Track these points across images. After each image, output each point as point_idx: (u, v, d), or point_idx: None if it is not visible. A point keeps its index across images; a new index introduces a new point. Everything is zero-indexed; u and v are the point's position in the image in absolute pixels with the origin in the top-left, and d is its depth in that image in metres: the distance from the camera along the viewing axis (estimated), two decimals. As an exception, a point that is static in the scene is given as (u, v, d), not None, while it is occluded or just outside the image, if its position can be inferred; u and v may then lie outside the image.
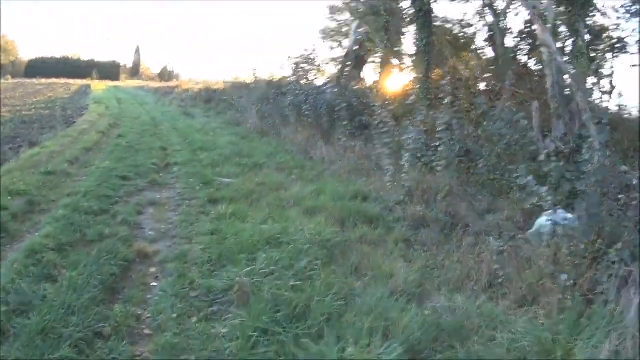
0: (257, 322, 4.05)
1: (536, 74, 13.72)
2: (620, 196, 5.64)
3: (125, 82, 70.02)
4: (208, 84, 36.12)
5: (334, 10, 21.59)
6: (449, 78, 9.41)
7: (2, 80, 60.34)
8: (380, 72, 16.44)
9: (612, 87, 13.91)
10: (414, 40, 13.80)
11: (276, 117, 16.33)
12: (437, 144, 8.48)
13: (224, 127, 18.60)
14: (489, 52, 16.16)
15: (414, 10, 13.90)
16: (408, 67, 16.20)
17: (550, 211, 6.93)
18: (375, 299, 4.45)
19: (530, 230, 6.60)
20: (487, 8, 15.68)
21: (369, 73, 21.56)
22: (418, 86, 11.65)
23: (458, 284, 5.14)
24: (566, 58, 10.86)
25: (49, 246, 5.82)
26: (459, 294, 4.80)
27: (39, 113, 24.52)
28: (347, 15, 20.47)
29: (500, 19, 14.89)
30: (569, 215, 6.41)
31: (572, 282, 4.69)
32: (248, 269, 5.03)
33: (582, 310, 4.28)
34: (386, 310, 4.24)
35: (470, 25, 17.05)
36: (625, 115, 13.71)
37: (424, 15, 13.40)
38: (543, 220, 6.63)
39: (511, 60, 13.70)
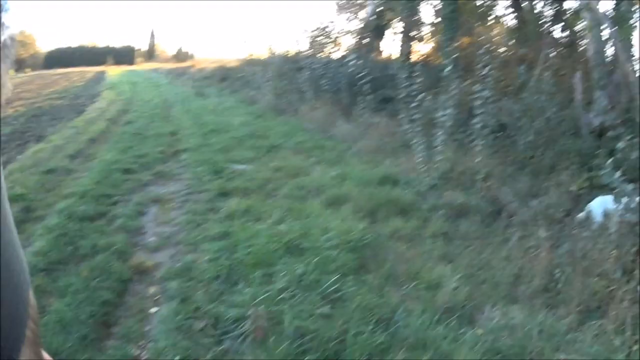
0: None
1: (560, 40, 12.97)
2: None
3: (140, 66, 69.37)
4: (222, 62, 35.13)
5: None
6: (487, 46, 8.62)
7: (22, 74, 60.75)
8: (402, 42, 15.74)
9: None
10: (439, 7, 12.98)
11: (293, 93, 15.72)
12: (475, 120, 7.73)
13: (238, 106, 18.05)
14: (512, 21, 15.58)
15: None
16: (431, 35, 15.45)
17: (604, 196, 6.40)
18: (421, 323, 3.84)
19: (580, 215, 6.12)
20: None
21: (390, 44, 20.91)
22: (454, 56, 10.89)
23: (509, 289, 4.56)
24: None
25: (38, 266, 4.94)
26: (514, 305, 4.23)
27: (51, 104, 23.52)
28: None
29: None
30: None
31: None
32: (264, 290, 4.29)
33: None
34: (437, 339, 3.64)
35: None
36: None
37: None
38: (597, 205, 6.13)
39: (540, 27, 13.00)
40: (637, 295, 4.08)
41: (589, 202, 6.55)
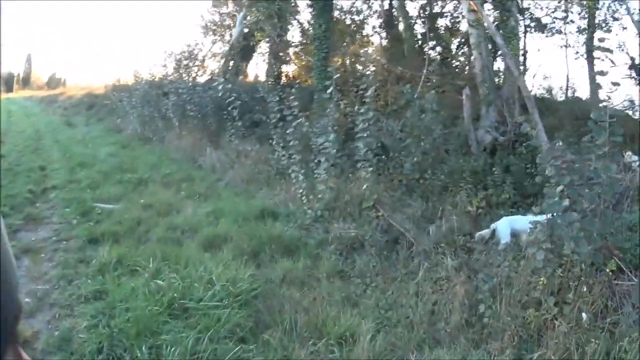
0: None
1: (433, 57, 13.03)
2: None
3: (17, 93, 65.24)
4: (91, 89, 33.45)
5: (217, 3, 20.30)
6: (372, 67, 8.05)
7: None
8: (272, 64, 15.19)
9: (525, 69, 13.47)
10: (312, 26, 12.53)
11: (159, 120, 14.85)
12: (358, 144, 7.17)
13: (105, 135, 17.30)
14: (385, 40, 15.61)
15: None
16: (302, 56, 15.03)
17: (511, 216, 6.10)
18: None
19: (482, 232, 5.86)
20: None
21: (258, 66, 20.55)
22: (335, 76, 10.36)
23: (427, 329, 4.22)
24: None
25: None
26: (439, 347, 3.92)
27: None
28: (231, 7, 19.49)
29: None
30: (535, 218, 5.25)
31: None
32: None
33: (608, 349, 3.60)
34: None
35: (359, 12, 16.35)
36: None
37: (324, -3, 12.21)
38: (503, 226, 5.80)
39: (415, 45, 13.03)
40: (578, 320, 3.81)
41: (490, 221, 6.19)
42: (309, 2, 13.32)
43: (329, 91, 8.34)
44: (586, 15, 14.24)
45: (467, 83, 9.48)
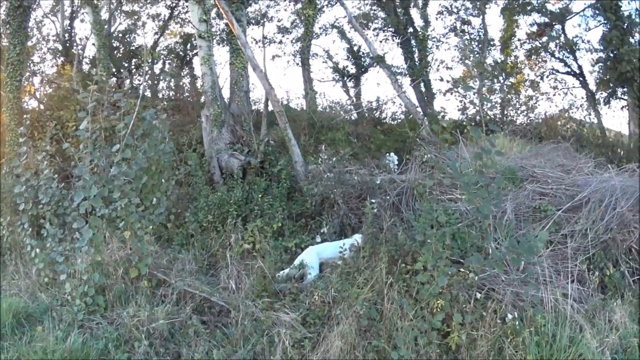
0: None
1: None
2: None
3: None
4: None
5: None
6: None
7: None
8: None
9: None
10: (7, 49, 9.93)
11: None
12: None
13: None
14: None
15: (9, 8, 9.95)
16: None
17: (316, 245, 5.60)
18: None
19: (285, 272, 5.20)
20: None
21: None
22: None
23: None
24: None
25: None
26: None
27: None
28: None
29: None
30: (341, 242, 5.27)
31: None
32: None
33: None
34: None
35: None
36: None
37: (23, 12, 9.80)
38: (310, 257, 5.30)
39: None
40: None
41: (282, 257, 5.59)
42: (5, 19, 10.68)
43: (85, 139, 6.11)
44: (301, 25, 14.37)
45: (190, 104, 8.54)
